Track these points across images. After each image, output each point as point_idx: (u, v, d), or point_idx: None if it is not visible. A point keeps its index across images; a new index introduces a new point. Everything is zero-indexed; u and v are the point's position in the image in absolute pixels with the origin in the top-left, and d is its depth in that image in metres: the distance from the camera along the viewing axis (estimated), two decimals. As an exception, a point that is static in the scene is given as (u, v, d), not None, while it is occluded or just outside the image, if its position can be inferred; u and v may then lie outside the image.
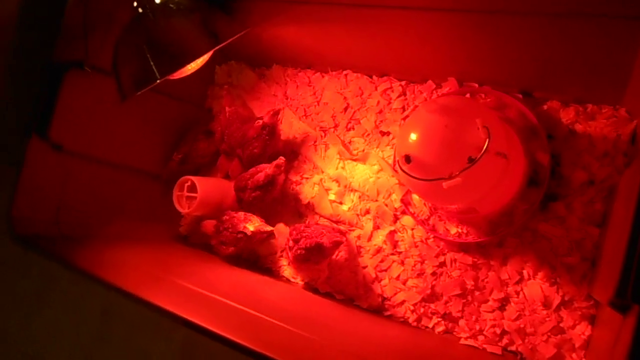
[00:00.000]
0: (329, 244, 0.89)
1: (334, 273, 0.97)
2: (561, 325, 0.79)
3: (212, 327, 0.67)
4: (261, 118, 1.02)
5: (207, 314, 0.71)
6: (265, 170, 0.98)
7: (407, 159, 0.72)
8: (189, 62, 0.82)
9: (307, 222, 1.02)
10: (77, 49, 0.91)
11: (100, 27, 0.94)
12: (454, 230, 0.88)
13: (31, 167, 0.91)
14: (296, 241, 0.92)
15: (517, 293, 0.83)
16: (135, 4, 0.82)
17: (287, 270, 1.02)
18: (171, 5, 0.83)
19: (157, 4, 0.83)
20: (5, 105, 0.95)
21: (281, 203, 1.05)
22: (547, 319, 0.79)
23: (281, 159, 0.98)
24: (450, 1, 0.75)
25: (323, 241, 0.89)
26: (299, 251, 0.91)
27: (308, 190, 1.03)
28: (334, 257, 0.95)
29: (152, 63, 0.79)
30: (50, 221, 0.94)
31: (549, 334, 0.79)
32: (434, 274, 0.89)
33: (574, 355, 0.77)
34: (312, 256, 0.91)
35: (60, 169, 0.95)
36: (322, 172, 1.03)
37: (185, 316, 0.69)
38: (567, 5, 0.67)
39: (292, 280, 1.01)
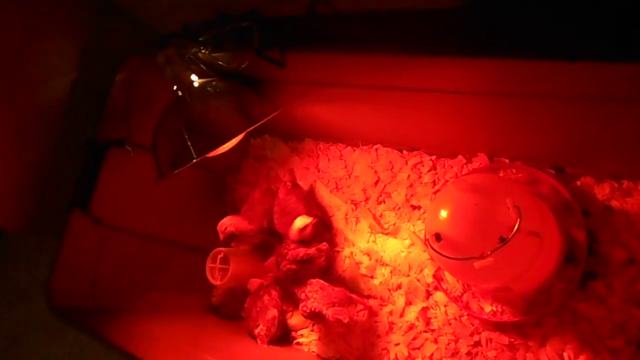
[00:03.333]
0: (331, 318, 0.89)
1: (366, 350, 0.94)
2: (607, 414, 0.74)
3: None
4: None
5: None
6: (307, 248, 0.98)
7: (438, 237, 0.72)
8: (224, 143, 0.86)
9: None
10: (119, 128, 0.96)
11: (141, 107, 0.99)
12: (488, 308, 0.86)
13: (71, 240, 0.94)
14: (306, 298, 0.92)
15: (558, 377, 0.79)
16: (175, 87, 0.87)
17: (318, 345, 1.00)
18: (209, 89, 0.88)
19: (195, 87, 0.87)
20: (51, 181, 0.99)
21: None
22: (592, 407, 0.75)
23: (324, 245, 0.99)
24: (476, 85, 0.76)
25: (326, 313, 0.89)
26: (304, 308, 0.92)
27: (339, 264, 1.03)
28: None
29: (189, 143, 0.83)
30: (86, 293, 0.96)
31: (594, 423, 0.74)
32: (468, 353, 0.86)
33: None
34: (314, 318, 0.92)
35: (99, 243, 0.98)
36: (353, 245, 1.03)
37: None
38: (600, 89, 0.67)
39: (323, 356, 0.99)
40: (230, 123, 0.88)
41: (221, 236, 1.02)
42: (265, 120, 0.87)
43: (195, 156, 0.81)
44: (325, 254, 0.99)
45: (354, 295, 0.96)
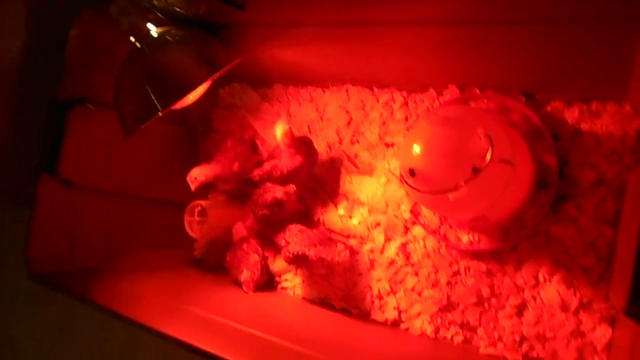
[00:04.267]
0: (314, 257, 0.90)
1: (349, 288, 0.97)
2: (581, 328, 0.78)
3: (231, 357, 0.67)
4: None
5: (224, 343, 0.71)
6: (274, 192, 0.98)
7: (412, 172, 0.72)
8: (188, 93, 0.83)
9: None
10: (80, 86, 0.93)
11: (101, 63, 0.95)
12: (465, 238, 0.88)
13: (43, 206, 0.92)
14: (287, 243, 0.94)
15: (534, 298, 0.82)
16: (132, 39, 0.83)
17: (302, 288, 1.02)
18: (168, 38, 0.84)
19: (153, 37, 0.84)
20: (14, 146, 0.96)
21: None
22: (566, 322, 0.78)
23: (291, 188, 0.98)
24: (444, 14, 0.74)
25: (309, 254, 0.90)
26: (286, 253, 0.93)
27: (317, 207, 1.03)
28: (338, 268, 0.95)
29: (152, 96, 0.80)
30: (66, 257, 0.96)
31: (569, 337, 0.78)
32: (448, 283, 0.88)
33: (596, 358, 0.76)
34: (298, 261, 0.93)
35: (72, 205, 0.96)
36: (330, 187, 1.04)
37: (202, 347, 0.70)
38: (565, 12, 0.66)
39: (308, 298, 1.01)
40: (193, 72, 0.85)
41: (192, 187, 1.01)
42: (229, 67, 0.85)
43: (160, 109, 0.79)
44: (297, 196, 0.99)
45: (333, 235, 0.97)
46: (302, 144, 1.00)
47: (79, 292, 0.90)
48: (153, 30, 0.84)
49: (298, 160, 0.98)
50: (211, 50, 0.89)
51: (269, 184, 1.00)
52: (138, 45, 0.83)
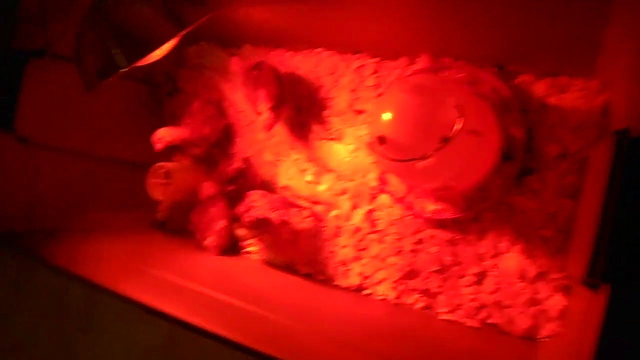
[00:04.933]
0: (277, 221, 0.90)
1: (313, 254, 0.97)
2: (537, 296, 0.80)
3: (193, 320, 0.67)
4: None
5: (187, 306, 0.71)
6: (233, 163, 0.97)
7: (381, 139, 0.71)
8: (153, 49, 0.80)
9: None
10: (37, 37, 0.88)
11: (60, 12, 0.90)
12: (430, 207, 0.88)
13: (-2, 163, 0.88)
14: (247, 209, 0.93)
15: (494, 267, 0.84)
16: (94, -12, 0.79)
17: (267, 253, 1.02)
18: (133, -11, 0.80)
19: (117, -12, 0.79)
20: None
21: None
22: (524, 291, 0.81)
23: (247, 155, 0.99)
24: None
25: (271, 217, 0.90)
26: (247, 219, 0.93)
27: (284, 172, 1.02)
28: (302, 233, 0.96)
29: (115, 50, 0.76)
30: (22, 216, 0.92)
31: (525, 305, 0.81)
32: (412, 251, 0.90)
33: (549, 325, 0.79)
34: (260, 226, 0.93)
35: (29, 163, 0.92)
36: (298, 152, 1.03)
37: (165, 310, 0.69)
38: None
39: (272, 262, 1.01)
40: (159, 28, 0.81)
41: (156, 147, 0.99)
42: (197, 24, 0.81)
43: (124, 65, 0.76)
44: (252, 161, 0.98)
45: (300, 202, 0.97)
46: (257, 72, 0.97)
47: (36, 252, 0.88)
48: (117, -20, 0.80)
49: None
50: (178, 6, 0.85)
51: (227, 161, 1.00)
52: (101, -5, 0.79)
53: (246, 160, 0.97)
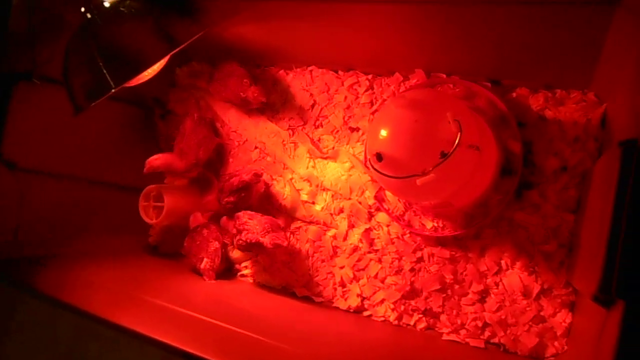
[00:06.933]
0: (270, 245, 0.88)
1: (311, 275, 0.95)
2: (542, 314, 0.78)
3: (189, 348, 0.64)
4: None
5: (182, 334, 0.68)
6: (241, 175, 0.95)
7: (379, 156, 0.70)
8: (144, 69, 0.78)
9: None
10: (25, 59, 0.86)
11: (49, 34, 0.89)
12: (429, 224, 0.87)
13: (-17, 188, 0.86)
14: (239, 232, 0.91)
15: (497, 284, 0.82)
16: (83, 9, 0.78)
17: (263, 276, 0.99)
18: (122, 9, 0.79)
19: (106, 8, 0.78)
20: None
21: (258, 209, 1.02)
22: (528, 308, 0.79)
23: (260, 170, 0.97)
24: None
25: (263, 241, 0.88)
26: (240, 242, 0.90)
27: (279, 192, 1.01)
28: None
29: (105, 71, 0.75)
30: (10, 244, 0.89)
31: (530, 323, 0.79)
32: (412, 270, 0.88)
33: (556, 343, 0.77)
34: (253, 249, 0.92)
35: (16, 188, 0.90)
36: (293, 172, 1.01)
37: (159, 338, 0.66)
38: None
39: (268, 285, 0.98)
40: (149, 47, 0.79)
41: (145, 170, 0.98)
42: (189, 41, 0.80)
43: (113, 85, 0.74)
44: (263, 179, 0.97)
45: (281, 222, 0.96)
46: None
47: (24, 280, 0.84)
48: (106, 0, 0.79)
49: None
50: (169, 24, 0.83)
51: (234, 171, 0.98)
52: (89, 15, 0.77)
53: (257, 175, 0.95)
